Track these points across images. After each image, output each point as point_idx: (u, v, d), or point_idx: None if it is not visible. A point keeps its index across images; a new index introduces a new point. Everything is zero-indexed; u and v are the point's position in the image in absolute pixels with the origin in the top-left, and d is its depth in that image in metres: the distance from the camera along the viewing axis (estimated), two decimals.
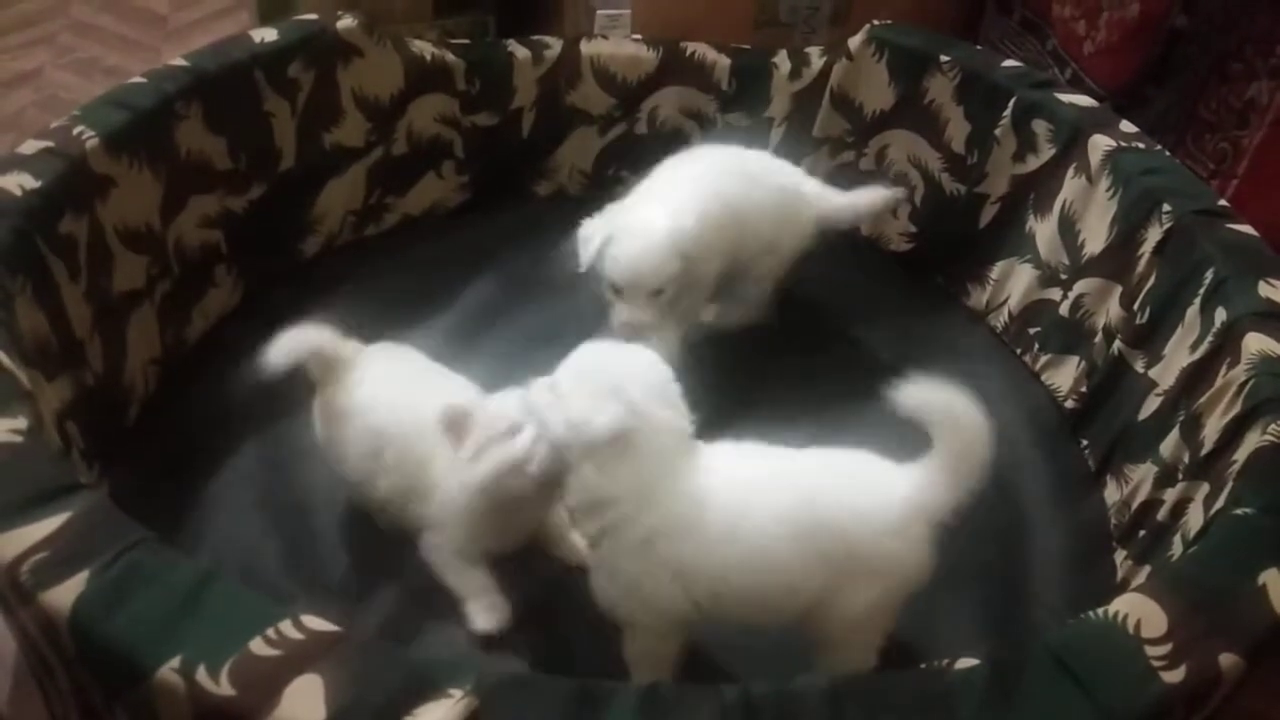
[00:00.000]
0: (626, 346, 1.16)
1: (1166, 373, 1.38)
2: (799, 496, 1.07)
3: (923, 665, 0.88)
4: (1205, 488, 1.19)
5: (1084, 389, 1.57)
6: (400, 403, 1.27)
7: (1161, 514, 1.28)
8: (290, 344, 1.23)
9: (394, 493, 1.26)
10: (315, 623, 0.83)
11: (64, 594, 0.84)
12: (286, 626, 0.82)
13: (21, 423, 1.00)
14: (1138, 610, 0.89)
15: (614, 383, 1.05)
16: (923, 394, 1.05)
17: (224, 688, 0.78)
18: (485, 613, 1.24)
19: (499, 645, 1.22)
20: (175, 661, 0.79)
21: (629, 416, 1.03)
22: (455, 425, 1.18)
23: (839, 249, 1.94)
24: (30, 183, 1.30)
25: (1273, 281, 1.29)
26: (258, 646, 0.80)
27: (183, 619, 0.82)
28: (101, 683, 0.86)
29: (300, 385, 1.31)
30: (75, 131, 1.40)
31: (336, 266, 1.83)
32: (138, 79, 1.55)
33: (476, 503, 1.19)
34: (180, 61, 1.60)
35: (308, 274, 1.80)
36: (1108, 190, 1.55)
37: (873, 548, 1.06)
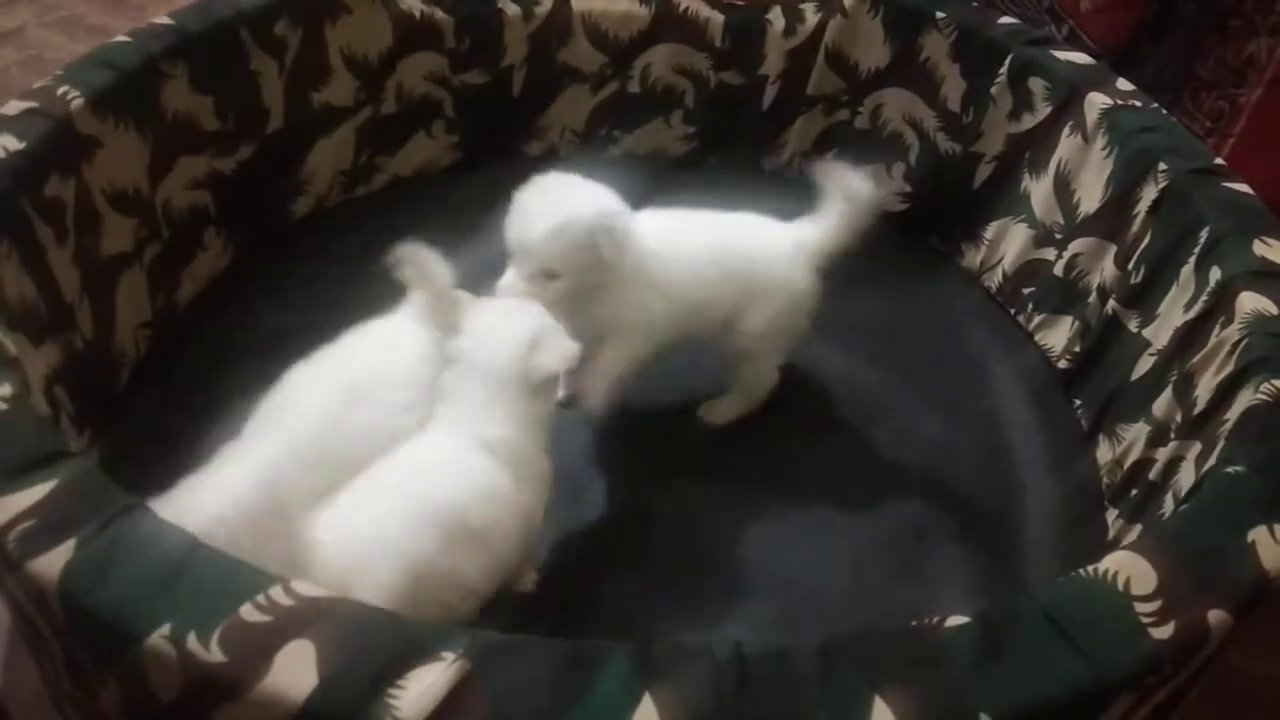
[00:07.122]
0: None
1: (1160, 332, 1.38)
2: None
3: (914, 623, 0.88)
4: (1197, 446, 1.19)
5: (1078, 349, 1.57)
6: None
7: (1153, 473, 1.28)
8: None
9: None
10: (306, 588, 0.83)
11: (52, 562, 0.83)
12: (277, 592, 0.82)
13: (7, 389, 0.99)
14: (1128, 568, 0.89)
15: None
16: None
17: (215, 654, 0.78)
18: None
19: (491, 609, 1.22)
20: (165, 628, 0.79)
21: None
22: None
23: None
24: (14, 144, 1.28)
25: (1268, 240, 1.29)
26: (248, 613, 0.80)
27: (172, 586, 0.81)
28: (92, 650, 0.86)
29: (293, 349, 1.29)
30: (60, 91, 1.37)
31: (326, 228, 1.81)
32: (122, 38, 1.52)
33: None
34: (165, 20, 1.57)
35: (297, 235, 1.79)
36: (1103, 149, 1.53)
37: None
